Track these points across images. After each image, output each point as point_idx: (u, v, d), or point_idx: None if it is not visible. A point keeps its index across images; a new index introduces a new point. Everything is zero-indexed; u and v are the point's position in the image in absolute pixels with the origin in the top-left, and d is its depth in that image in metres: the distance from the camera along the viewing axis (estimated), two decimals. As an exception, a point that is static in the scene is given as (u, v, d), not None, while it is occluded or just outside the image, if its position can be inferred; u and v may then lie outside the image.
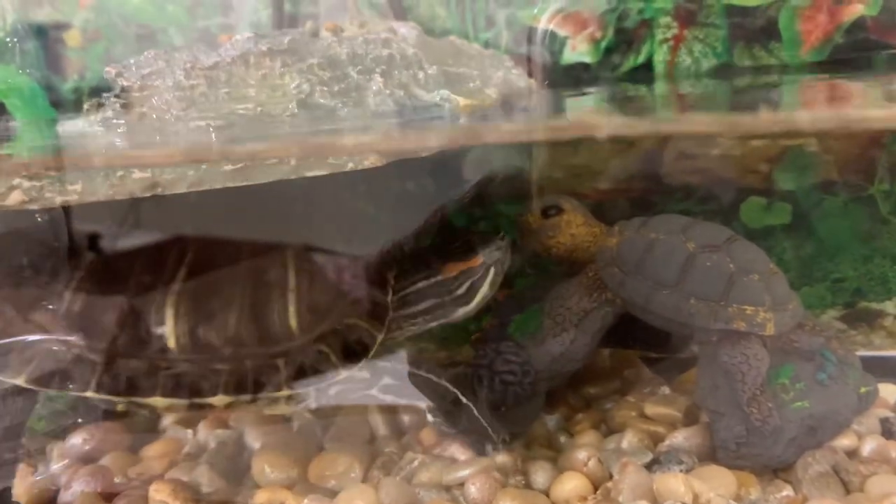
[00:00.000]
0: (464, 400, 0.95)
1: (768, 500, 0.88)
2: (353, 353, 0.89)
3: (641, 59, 1.13)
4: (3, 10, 1.16)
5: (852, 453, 0.95)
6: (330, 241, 0.93)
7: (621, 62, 1.14)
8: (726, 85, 1.10)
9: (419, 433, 1.02)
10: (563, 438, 1.04)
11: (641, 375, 1.16)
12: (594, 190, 1.24)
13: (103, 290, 0.87)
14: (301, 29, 0.96)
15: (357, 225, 0.97)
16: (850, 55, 1.08)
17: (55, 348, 0.85)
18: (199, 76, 0.85)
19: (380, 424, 1.06)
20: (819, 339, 0.97)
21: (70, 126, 0.97)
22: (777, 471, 0.93)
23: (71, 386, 0.84)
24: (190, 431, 1.10)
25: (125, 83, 0.87)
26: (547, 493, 0.91)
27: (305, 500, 0.90)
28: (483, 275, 0.97)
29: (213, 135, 0.83)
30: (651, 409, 1.04)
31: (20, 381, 0.84)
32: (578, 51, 1.13)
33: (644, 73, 1.13)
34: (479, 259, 0.97)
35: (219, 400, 0.86)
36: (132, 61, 0.89)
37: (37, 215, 0.89)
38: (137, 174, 0.78)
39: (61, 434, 1.07)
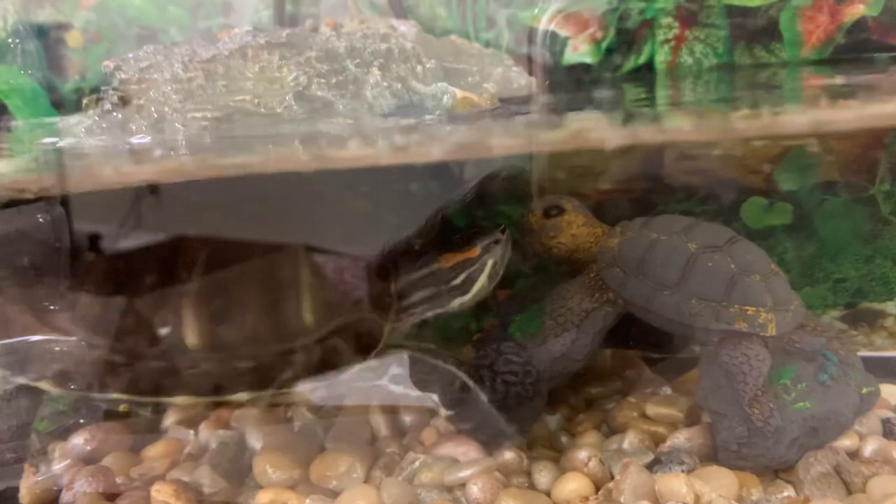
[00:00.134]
0: (471, 384, 0.96)
1: (770, 501, 0.88)
2: (365, 345, 0.91)
3: (643, 59, 1.13)
4: (4, 11, 1.16)
5: (854, 454, 0.96)
6: (338, 238, 0.95)
7: (622, 62, 1.14)
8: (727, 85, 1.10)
9: (420, 433, 1.02)
10: (564, 439, 1.04)
11: (643, 376, 1.16)
12: (595, 190, 1.24)
13: (120, 291, 0.88)
14: (301, 27, 0.97)
15: (362, 221, 1.00)
16: (851, 55, 1.08)
17: (75, 350, 0.85)
18: (196, 69, 0.85)
19: (381, 425, 1.06)
20: (820, 339, 0.97)
21: (68, 124, 0.96)
22: (778, 471, 0.93)
23: (95, 387, 0.85)
24: (191, 432, 1.10)
25: (123, 76, 0.87)
26: (548, 494, 0.92)
27: (307, 501, 0.91)
28: (480, 267, 0.98)
29: (209, 135, 0.83)
30: (652, 409, 1.04)
31: (44, 385, 0.84)
32: (580, 51, 1.13)
33: (645, 73, 1.13)
34: (477, 251, 0.98)
35: (241, 397, 0.87)
36: (130, 55, 0.89)
37: (42, 215, 0.89)
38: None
39: (63, 434, 1.08)
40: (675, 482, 0.85)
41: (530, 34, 1.15)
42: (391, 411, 1.07)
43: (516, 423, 0.99)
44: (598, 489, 0.91)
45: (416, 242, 1.00)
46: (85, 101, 0.90)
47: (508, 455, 0.95)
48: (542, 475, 0.93)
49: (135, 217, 0.91)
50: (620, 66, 1.14)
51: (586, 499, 0.89)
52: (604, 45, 1.13)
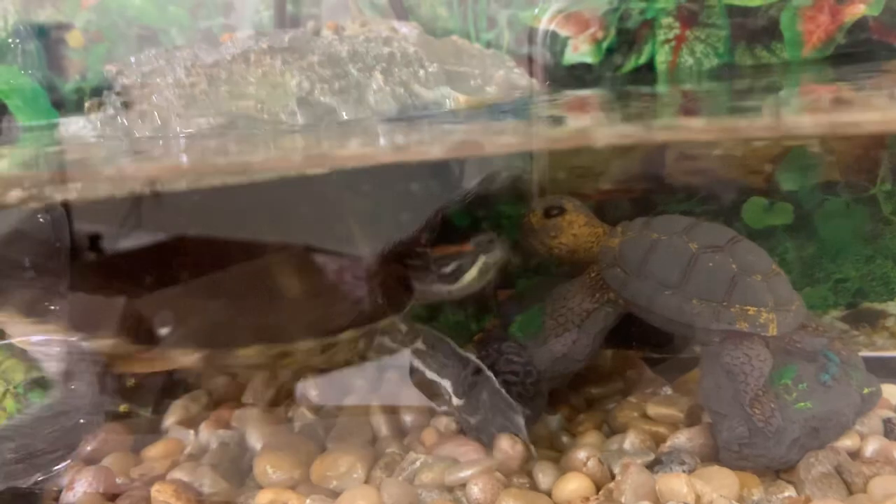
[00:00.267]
0: (485, 370, 0.98)
1: (771, 501, 0.88)
2: (398, 302, 1.02)
3: (643, 59, 1.13)
4: (4, 11, 1.16)
5: (855, 454, 0.95)
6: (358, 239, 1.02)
7: (623, 62, 1.14)
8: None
9: (421, 434, 1.02)
10: (565, 439, 1.03)
11: (643, 376, 1.16)
12: (596, 190, 1.24)
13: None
14: (303, 28, 0.96)
15: (375, 223, 1.05)
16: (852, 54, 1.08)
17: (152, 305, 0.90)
18: (199, 74, 0.85)
19: (382, 425, 1.06)
20: (822, 339, 0.97)
21: (71, 131, 0.97)
22: (779, 471, 0.93)
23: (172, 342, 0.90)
24: (192, 432, 1.10)
25: (126, 81, 0.87)
26: (549, 494, 0.91)
27: (308, 501, 0.90)
28: (471, 261, 1.04)
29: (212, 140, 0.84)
30: (653, 409, 1.04)
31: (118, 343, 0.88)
32: (580, 51, 1.13)
33: (646, 73, 1.13)
34: (469, 246, 1.04)
35: (306, 344, 0.94)
36: (133, 59, 0.89)
37: (42, 215, 0.89)
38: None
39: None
40: (675, 482, 0.85)
41: (531, 34, 1.15)
42: (392, 411, 1.07)
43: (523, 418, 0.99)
44: (598, 489, 0.91)
45: (417, 237, 1.06)
46: (87, 104, 0.90)
47: (516, 448, 0.94)
48: (543, 475, 0.93)
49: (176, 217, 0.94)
50: (621, 66, 1.14)
51: (587, 499, 0.89)
52: (604, 45, 1.13)
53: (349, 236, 0.99)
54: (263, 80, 0.86)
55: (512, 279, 1.26)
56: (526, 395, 1.00)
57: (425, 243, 1.05)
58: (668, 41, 1.12)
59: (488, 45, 1.16)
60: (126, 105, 0.87)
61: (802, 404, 0.92)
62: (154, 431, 1.11)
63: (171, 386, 1.20)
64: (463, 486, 0.91)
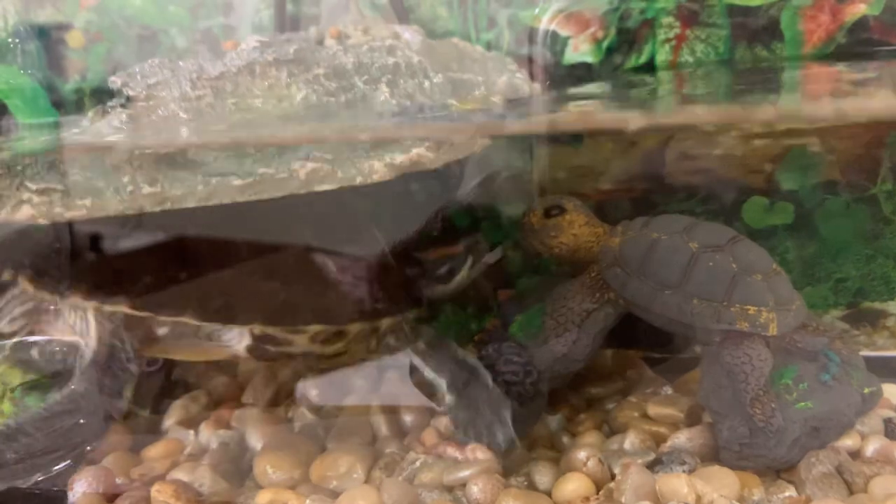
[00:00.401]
0: (481, 369, 1.00)
1: (771, 501, 0.88)
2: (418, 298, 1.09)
3: (643, 58, 1.13)
4: (4, 11, 1.16)
5: (856, 454, 0.95)
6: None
7: (623, 62, 1.14)
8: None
9: (421, 434, 1.02)
10: (565, 439, 1.03)
11: (644, 376, 1.15)
12: (596, 190, 1.24)
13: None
14: (305, 34, 0.96)
15: (386, 230, 1.09)
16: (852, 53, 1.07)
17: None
18: (205, 86, 0.85)
19: (381, 425, 1.06)
20: (822, 339, 0.97)
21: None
22: (780, 471, 0.93)
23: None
24: (192, 432, 1.10)
25: (131, 93, 0.87)
26: (549, 494, 0.91)
27: (308, 501, 0.90)
28: (462, 261, 1.09)
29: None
30: (653, 409, 1.04)
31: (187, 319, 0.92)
32: (580, 51, 1.13)
33: (646, 72, 1.13)
34: (460, 248, 1.09)
35: (355, 327, 0.99)
36: (137, 69, 0.89)
37: None
38: (147, 189, 0.79)
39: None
40: (676, 482, 0.85)
41: (531, 34, 1.15)
42: (392, 411, 1.07)
43: (517, 423, 0.99)
44: (599, 489, 0.90)
45: (417, 241, 1.09)
46: (90, 113, 0.90)
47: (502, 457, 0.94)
48: (543, 475, 0.93)
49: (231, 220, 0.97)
50: (621, 66, 1.14)
51: (587, 499, 0.89)
52: (605, 44, 1.13)
53: (375, 238, 1.06)
54: (269, 93, 0.86)
55: (512, 279, 1.26)
56: (526, 395, 1.00)
57: (425, 244, 1.08)
58: (668, 40, 1.12)
59: (488, 45, 1.16)
60: (131, 118, 0.87)
61: (803, 404, 0.92)
62: (154, 431, 1.11)
63: (171, 386, 1.20)
64: (463, 485, 0.91)
